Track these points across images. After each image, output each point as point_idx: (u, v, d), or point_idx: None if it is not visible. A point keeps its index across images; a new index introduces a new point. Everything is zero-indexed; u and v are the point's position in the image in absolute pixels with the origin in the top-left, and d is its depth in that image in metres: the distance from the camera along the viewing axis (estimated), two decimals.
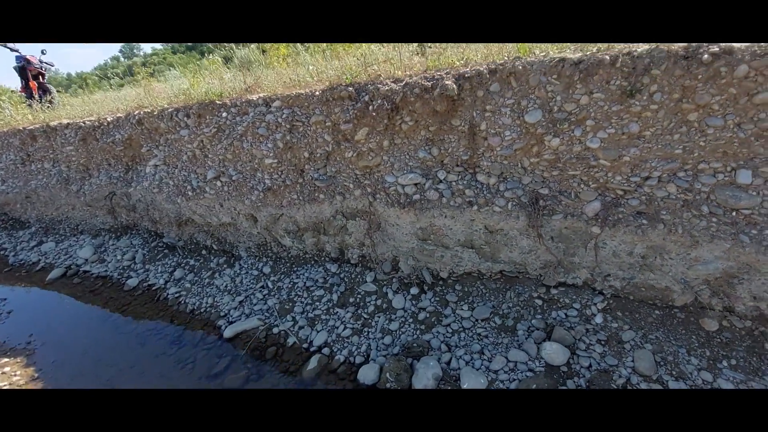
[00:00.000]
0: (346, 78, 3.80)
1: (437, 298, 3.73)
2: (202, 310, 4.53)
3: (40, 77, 9.20)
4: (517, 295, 3.47)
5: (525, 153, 3.31)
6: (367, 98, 3.61)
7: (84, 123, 6.11)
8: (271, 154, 4.27)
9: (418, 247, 3.89)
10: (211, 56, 6.59)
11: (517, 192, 3.37)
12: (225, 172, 4.78)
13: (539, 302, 3.37)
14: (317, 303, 4.12)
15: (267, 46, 6.46)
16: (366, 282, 4.13)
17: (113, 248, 6.10)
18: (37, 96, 8.70)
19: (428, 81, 3.37)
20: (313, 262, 4.64)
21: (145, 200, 5.77)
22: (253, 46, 6.62)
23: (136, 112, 5.54)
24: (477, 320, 3.41)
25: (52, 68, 9.90)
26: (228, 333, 4.05)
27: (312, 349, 3.69)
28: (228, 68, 6.84)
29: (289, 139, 4.17)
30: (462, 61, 3.51)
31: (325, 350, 3.64)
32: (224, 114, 4.56)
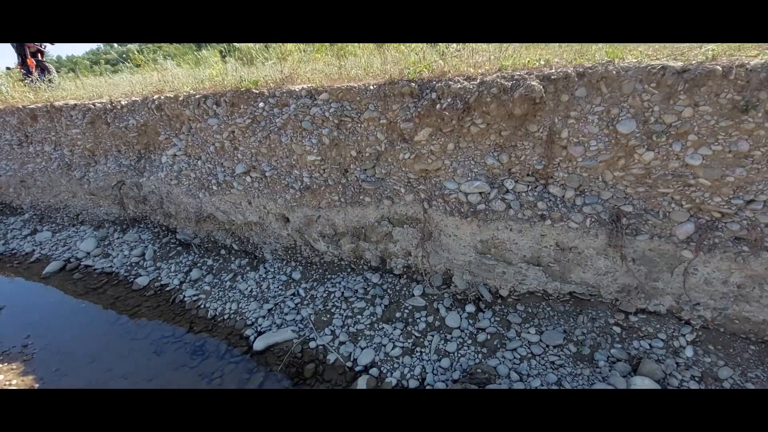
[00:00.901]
0: (409, 73, 3.48)
1: (497, 319, 3.42)
2: (225, 317, 4.12)
3: (39, 55, 8.63)
4: (591, 320, 3.18)
5: (609, 166, 3.03)
6: (434, 96, 3.29)
7: (94, 105, 5.63)
8: (314, 151, 3.91)
9: (475, 260, 3.58)
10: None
11: (596, 207, 3.09)
12: (257, 167, 4.39)
13: (617, 329, 3.09)
14: (359, 316, 3.76)
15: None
16: (413, 296, 3.79)
17: (119, 242, 5.62)
18: (36, 74, 8.14)
19: (507, 80, 3.07)
20: (349, 270, 4.27)
21: (160, 192, 5.33)
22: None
23: (155, 96, 5.10)
24: (548, 346, 3.11)
25: (52, 46, 9.33)
26: (259, 345, 3.65)
27: (357, 369, 3.33)
28: (225, 61, 6.48)
29: (336, 136, 3.82)
30: (542, 62, 3.22)
31: (373, 371, 3.28)
32: (261, 104, 4.18)
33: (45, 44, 8.66)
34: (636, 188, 3.02)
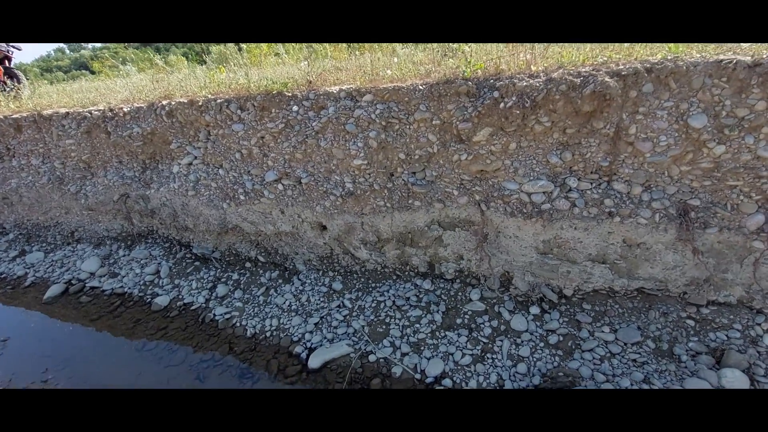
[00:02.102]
0: (466, 71, 3.38)
1: (566, 319, 3.37)
2: (267, 335, 3.86)
3: (6, 61, 7.94)
4: (662, 314, 3.18)
5: (676, 160, 3.05)
6: (496, 95, 3.21)
7: (90, 113, 5.19)
8: (360, 155, 3.73)
9: (537, 261, 3.52)
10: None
11: (663, 202, 3.10)
12: (290, 173, 4.15)
13: (691, 322, 3.10)
14: (417, 325, 3.61)
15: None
16: (471, 300, 3.68)
17: (126, 260, 5.20)
18: (9, 82, 7.47)
19: (575, 77, 3.03)
20: (395, 278, 4.11)
21: (172, 204, 4.96)
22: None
23: (164, 102, 4.76)
24: (626, 344, 3.08)
25: (19, 51, 8.61)
26: (314, 362, 3.43)
27: (428, 380, 3.18)
28: (190, 64, 6.22)
29: (384, 138, 3.66)
30: (601, 59, 3.21)
31: (446, 381, 3.14)
32: (295, 108, 3.96)
33: (11, 50, 7.99)
34: (702, 182, 3.05)
